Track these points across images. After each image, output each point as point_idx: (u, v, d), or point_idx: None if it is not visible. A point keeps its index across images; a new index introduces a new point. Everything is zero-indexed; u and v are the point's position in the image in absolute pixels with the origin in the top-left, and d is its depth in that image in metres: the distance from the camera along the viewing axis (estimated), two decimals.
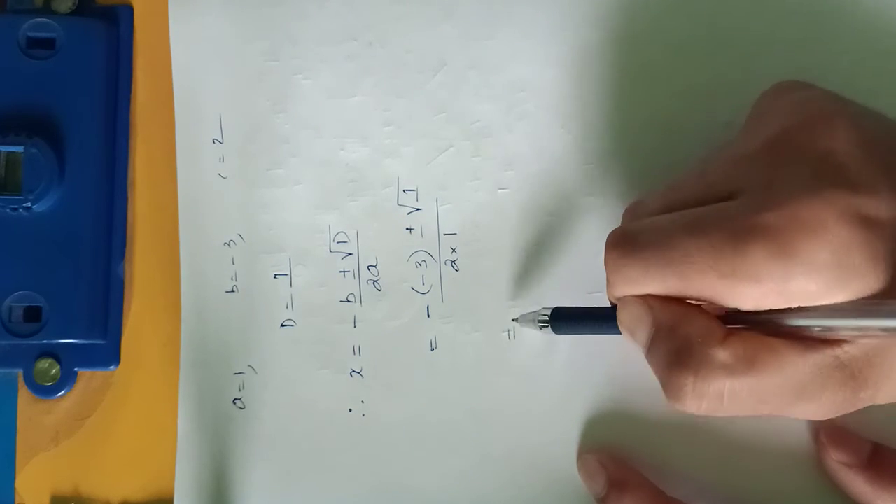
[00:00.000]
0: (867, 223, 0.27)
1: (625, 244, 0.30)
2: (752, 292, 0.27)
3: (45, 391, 0.36)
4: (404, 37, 0.37)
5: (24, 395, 0.36)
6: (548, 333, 0.34)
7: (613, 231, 0.31)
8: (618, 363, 0.35)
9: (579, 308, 0.34)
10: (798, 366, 0.28)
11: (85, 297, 0.36)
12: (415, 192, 0.37)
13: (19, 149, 0.35)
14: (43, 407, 0.36)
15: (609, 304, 0.32)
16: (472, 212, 0.37)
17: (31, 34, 0.37)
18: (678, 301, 0.29)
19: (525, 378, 0.36)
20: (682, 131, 0.36)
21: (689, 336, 0.29)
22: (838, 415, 0.29)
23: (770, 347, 0.28)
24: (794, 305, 0.27)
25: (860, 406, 0.29)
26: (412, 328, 0.36)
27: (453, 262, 0.37)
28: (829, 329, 0.27)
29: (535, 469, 0.35)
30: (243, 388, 0.36)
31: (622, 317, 0.31)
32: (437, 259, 0.37)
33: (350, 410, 0.36)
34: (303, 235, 0.37)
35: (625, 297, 0.30)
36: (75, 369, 0.36)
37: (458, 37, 0.37)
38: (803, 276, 0.27)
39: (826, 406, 0.29)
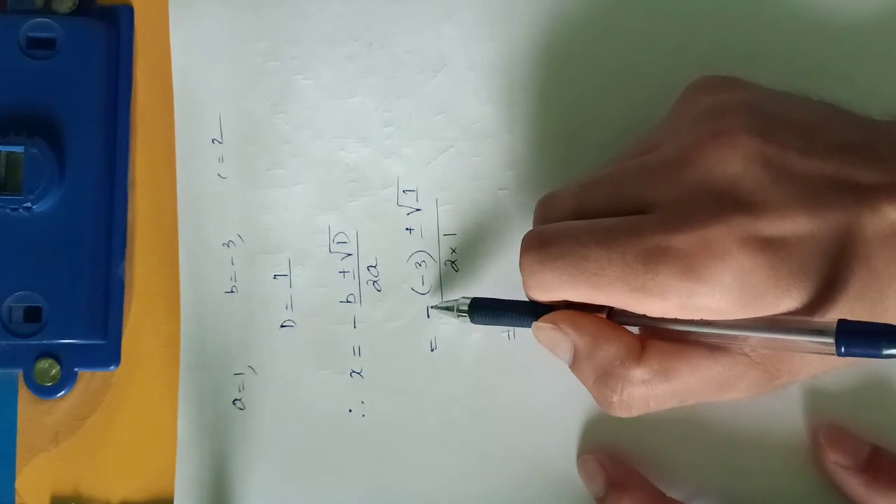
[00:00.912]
0: (770, 246, 0.28)
1: (541, 250, 0.31)
2: (659, 306, 0.29)
3: (45, 391, 0.36)
4: (404, 37, 0.37)
5: (24, 396, 0.36)
6: (465, 322, 0.35)
7: (528, 233, 0.32)
8: None
9: (498, 300, 0.34)
10: (710, 368, 0.30)
11: (85, 297, 0.36)
12: (415, 193, 0.37)
13: (19, 149, 0.35)
14: (43, 407, 0.36)
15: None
16: (472, 212, 0.37)
17: (31, 34, 0.37)
18: (593, 320, 0.31)
19: (525, 378, 0.36)
20: None
21: (607, 359, 0.31)
22: (760, 395, 0.31)
23: (682, 354, 0.30)
24: (698, 318, 0.29)
25: (780, 388, 0.31)
26: (412, 328, 0.36)
27: (453, 262, 0.37)
28: (730, 338, 0.29)
29: (534, 469, 0.35)
30: (243, 388, 0.36)
31: (540, 337, 0.33)
32: (436, 259, 0.37)
33: (350, 411, 0.36)
34: (302, 236, 0.37)
35: (538, 324, 0.32)
36: (75, 369, 0.36)
37: (458, 37, 0.37)
38: (708, 296, 0.28)
39: (747, 393, 0.31)
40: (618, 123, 0.36)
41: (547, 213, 0.33)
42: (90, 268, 0.36)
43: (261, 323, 0.36)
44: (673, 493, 0.34)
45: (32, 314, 0.36)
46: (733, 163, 0.29)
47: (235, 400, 0.36)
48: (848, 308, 0.28)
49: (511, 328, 0.36)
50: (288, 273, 0.37)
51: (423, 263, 0.37)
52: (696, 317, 0.29)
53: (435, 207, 0.37)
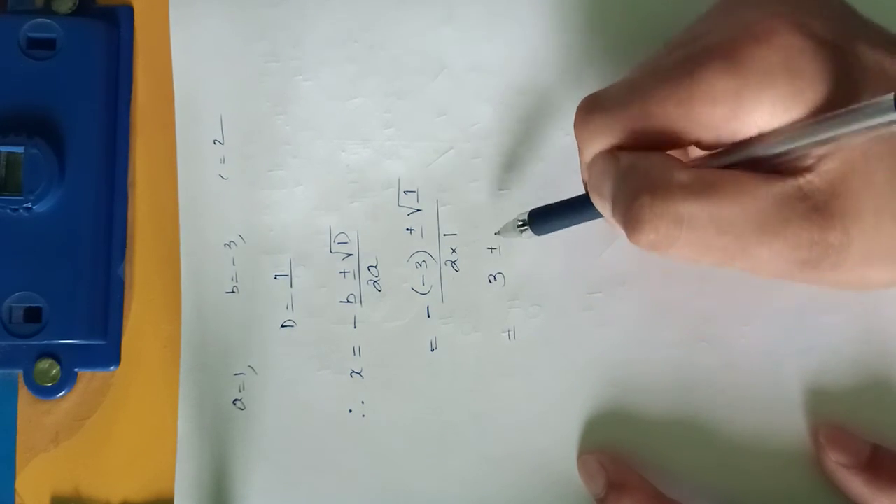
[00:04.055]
0: (815, 37, 0.28)
1: (591, 103, 0.30)
2: (709, 116, 0.27)
3: (45, 392, 0.36)
4: (405, 39, 0.37)
5: (24, 396, 0.36)
6: (530, 237, 0.35)
7: (582, 100, 0.31)
8: (618, 363, 0.36)
9: (554, 203, 0.34)
10: (759, 194, 0.27)
11: (85, 297, 0.36)
12: (415, 194, 0.37)
13: (19, 149, 0.35)
14: (43, 407, 0.36)
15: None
16: (472, 213, 0.37)
17: (31, 34, 0.37)
18: (643, 147, 0.29)
19: (525, 378, 0.36)
20: None
21: (648, 167, 0.28)
22: (808, 271, 0.28)
23: (730, 175, 0.28)
24: (752, 131, 0.27)
25: (832, 258, 0.28)
26: (412, 329, 0.36)
27: (453, 262, 0.37)
28: (791, 153, 0.27)
29: (534, 469, 0.35)
30: (243, 388, 0.36)
31: (591, 180, 0.30)
32: (437, 259, 0.37)
33: (350, 411, 0.36)
34: (303, 236, 0.37)
35: (597, 155, 0.30)
36: (75, 370, 0.36)
37: (459, 39, 0.37)
38: (756, 89, 0.27)
39: (792, 246, 0.27)
40: None
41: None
42: (90, 268, 0.36)
43: (261, 323, 0.36)
44: (673, 494, 0.34)
45: (32, 314, 0.36)
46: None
47: (236, 400, 0.36)
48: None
49: (511, 328, 0.36)
50: (289, 273, 0.37)
51: (423, 264, 0.37)
52: (748, 127, 0.27)
53: (435, 208, 0.37)
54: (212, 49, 0.38)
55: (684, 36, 0.31)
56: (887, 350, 0.35)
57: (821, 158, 0.27)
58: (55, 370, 0.36)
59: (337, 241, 0.37)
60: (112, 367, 0.37)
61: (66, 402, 0.36)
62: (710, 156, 0.29)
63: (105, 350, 0.36)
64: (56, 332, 0.36)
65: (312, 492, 0.36)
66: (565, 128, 0.37)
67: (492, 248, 0.37)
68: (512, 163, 0.37)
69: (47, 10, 0.37)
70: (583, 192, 0.33)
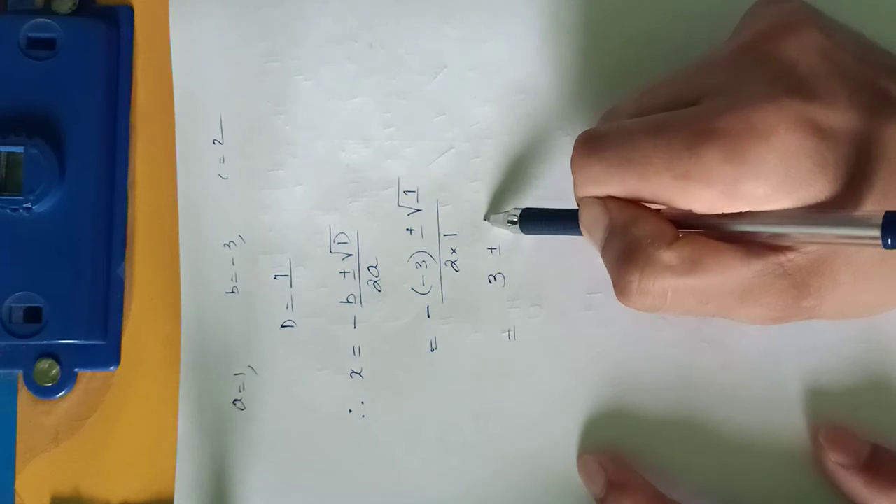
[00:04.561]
0: (819, 132, 0.28)
1: (590, 144, 0.31)
2: (704, 194, 0.29)
3: (45, 392, 0.36)
4: (405, 38, 0.37)
5: (24, 396, 0.36)
6: (516, 232, 0.35)
7: (582, 132, 0.32)
8: (618, 363, 0.36)
9: (547, 209, 0.35)
10: (741, 270, 0.29)
11: (85, 297, 0.36)
12: (415, 194, 0.37)
13: (19, 149, 0.35)
14: (43, 408, 0.36)
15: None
16: (472, 212, 0.37)
17: (31, 34, 0.37)
18: (635, 204, 0.30)
19: (525, 378, 0.36)
20: None
21: (638, 236, 0.30)
22: (782, 322, 0.30)
23: (715, 251, 0.29)
24: (744, 209, 0.28)
25: (804, 316, 0.30)
26: (412, 329, 0.36)
27: (453, 262, 0.37)
28: (776, 235, 0.28)
29: (534, 469, 0.35)
30: (243, 388, 0.36)
31: (582, 216, 0.32)
32: (437, 259, 0.37)
33: (350, 411, 0.36)
34: (303, 236, 0.37)
35: (585, 197, 0.31)
36: (75, 370, 0.36)
37: (459, 38, 0.37)
38: (752, 180, 0.28)
39: (767, 311, 0.30)
40: None
41: (606, 119, 0.34)
42: (90, 268, 0.36)
43: (261, 323, 0.36)
44: (673, 494, 0.34)
45: (32, 314, 0.36)
46: (791, 49, 0.29)
47: (236, 400, 0.36)
48: (875, 205, 0.28)
49: (511, 328, 0.36)
50: (288, 273, 0.37)
51: (423, 264, 0.37)
52: (740, 208, 0.28)
53: (435, 208, 0.37)
54: (212, 49, 0.38)
55: (694, 75, 0.31)
56: (887, 350, 0.35)
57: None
58: (55, 370, 0.36)
59: (337, 241, 0.37)
60: (112, 367, 0.37)
61: (66, 402, 0.36)
62: (696, 216, 0.30)
63: (105, 350, 0.36)
64: (56, 332, 0.36)
65: (312, 492, 0.36)
66: (565, 128, 0.37)
67: (492, 248, 0.37)
68: (512, 163, 0.37)
69: (47, 10, 0.37)
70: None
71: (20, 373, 0.36)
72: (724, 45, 0.32)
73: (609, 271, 0.31)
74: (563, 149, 0.37)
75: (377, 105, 0.37)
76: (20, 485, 0.36)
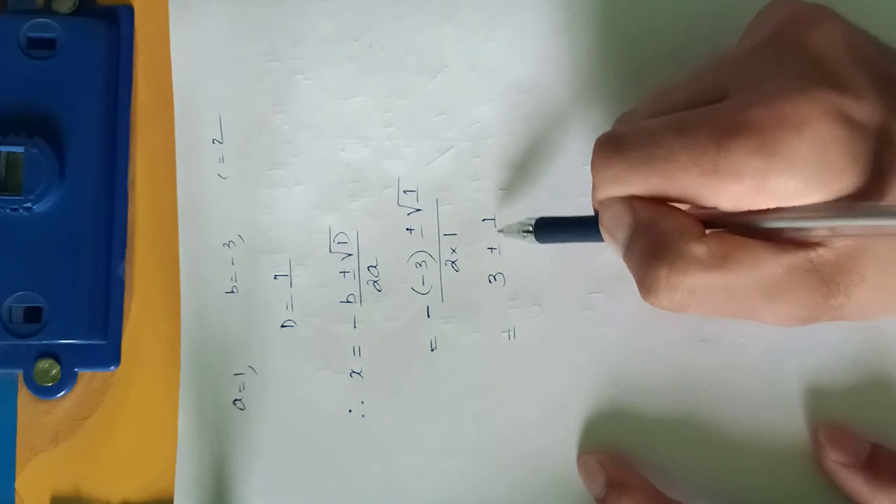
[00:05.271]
0: (849, 123, 0.28)
1: (611, 145, 0.30)
2: (732, 190, 0.28)
3: (45, 391, 0.36)
4: (405, 38, 0.37)
5: (24, 396, 0.36)
6: (531, 242, 0.35)
7: (602, 134, 0.31)
8: (618, 363, 0.36)
9: (563, 217, 0.34)
10: (770, 265, 0.28)
11: (85, 297, 0.36)
12: (415, 193, 0.37)
13: (19, 149, 0.35)
14: (43, 407, 0.36)
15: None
16: (472, 212, 0.37)
17: (31, 34, 0.37)
18: (659, 201, 0.30)
19: (525, 378, 0.36)
20: None
21: (665, 231, 0.29)
22: (808, 323, 0.30)
23: (745, 246, 0.29)
24: (773, 205, 0.28)
25: (830, 316, 0.29)
26: (412, 329, 0.36)
27: (453, 262, 0.37)
28: (805, 229, 0.28)
29: (534, 469, 0.35)
30: (243, 388, 0.36)
31: (603, 218, 0.31)
32: (437, 259, 0.37)
33: (350, 411, 0.36)
34: (303, 236, 0.37)
35: (607, 198, 0.31)
36: (75, 370, 0.36)
37: (459, 38, 0.37)
38: (783, 173, 0.27)
39: (796, 309, 0.29)
40: None
41: (623, 121, 0.33)
42: (90, 268, 0.36)
43: (261, 323, 0.36)
44: (673, 494, 0.34)
45: (32, 314, 0.36)
46: (816, 40, 0.29)
47: (236, 400, 0.36)
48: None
49: (511, 328, 0.36)
50: (288, 273, 0.37)
51: (423, 263, 0.37)
52: (771, 203, 0.28)
53: (435, 208, 0.37)
54: (211, 48, 0.38)
55: (715, 73, 0.31)
56: (887, 350, 0.35)
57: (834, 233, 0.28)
58: (55, 370, 0.36)
59: (336, 241, 0.37)
60: (112, 367, 0.37)
61: (66, 401, 0.36)
62: (723, 214, 0.29)
63: (105, 350, 0.37)
64: (56, 332, 0.36)
65: (312, 492, 0.36)
66: (566, 127, 0.37)
67: (492, 248, 0.36)
68: (512, 162, 0.37)
69: (47, 10, 0.37)
70: (591, 210, 0.33)
71: (20, 372, 0.36)
72: (742, 43, 0.32)
73: (633, 270, 0.30)
74: (564, 148, 0.37)
75: (377, 104, 0.37)
76: (20, 484, 0.36)
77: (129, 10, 0.38)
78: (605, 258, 0.35)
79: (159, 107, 0.38)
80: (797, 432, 0.35)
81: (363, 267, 0.37)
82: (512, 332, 0.36)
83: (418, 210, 0.37)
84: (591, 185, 0.32)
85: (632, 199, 0.30)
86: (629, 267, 0.30)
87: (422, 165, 0.37)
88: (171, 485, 0.36)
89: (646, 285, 0.29)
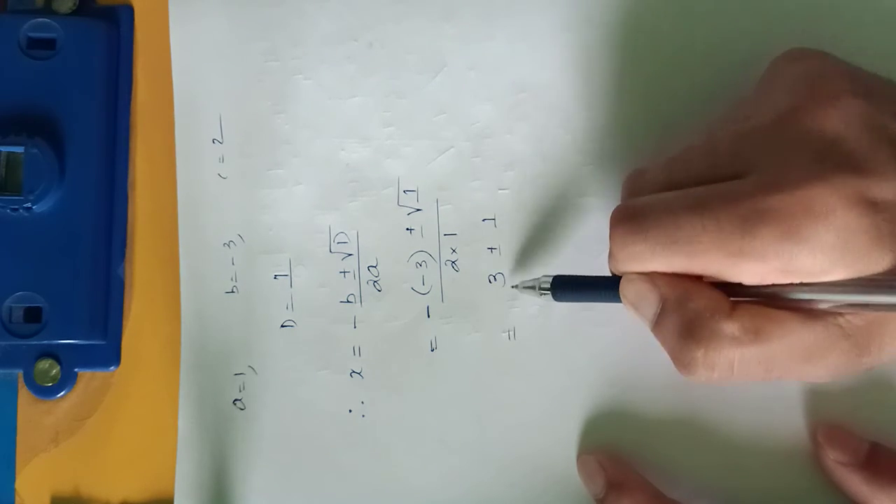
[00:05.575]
0: (873, 206, 0.28)
1: (631, 222, 0.30)
2: (756, 269, 0.28)
3: (45, 392, 0.36)
4: (404, 37, 0.37)
5: (24, 396, 0.36)
6: (548, 300, 0.35)
7: (619, 207, 0.31)
8: (618, 363, 0.36)
9: (580, 277, 0.34)
10: (802, 334, 0.29)
11: (85, 297, 0.36)
12: (415, 193, 0.37)
13: (19, 149, 0.35)
14: (43, 407, 0.36)
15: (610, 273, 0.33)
16: (472, 212, 0.37)
17: (31, 34, 0.37)
18: (683, 277, 0.30)
19: (525, 378, 0.36)
20: (682, 131, 0.36)
21: (697, 310, 0.30)
22: (842, 378, 0.31)
23: (775, 318, 0.29)
24: (797, 281, 0.28)
25: (863, 371, 0.30)
26: (412, 328, 0.36)
27: (453, 262, 0.37)
28: (829, 302, 0.28)
29: (534, 469, 0.35)
30: (243, 388, 0.36)
31: (626, 291, 0.32)
32: (437, 259, 0.37)
33: (350, 411, 0.36)
34: (303, 236, 0.37)
35: (629, 276, 0.31)
36: (75, 370, 0.36)
37: (459, 37, 0.37)
38: (808, 256, 0.28)
39: (830, 370, 0.30)
40: (620, 124, 0.36)
41: (636, 187, 0.33)
42: (90, 268, 0.36)
43: (261, 323, 0.36)
44: (673, 493, 0.34)
45: (32, 314, 0.36)
46: (834, 122, 0.29)
47: (236, 400, 0.36)
48: None
49: (511, 328, 0.36)
50: (288, 273, 0.37)
51: (423, 263, 0.37)
52: (795, 280, 0.28)
53: (435, 207, 0.37)
54: (211, 48, 0.38)
55: (733, 146, 0.30)
56: None
57: None
58: (55, 370, 0.36)
59: (336, 241, 0.37)
60: (112, 367, 0.37)
61: (66, 401, 0.36)
62: (748, 287, 0.29)
63: (105, 350, 0.37)
64: (56, 332, 0.36)
65: (312, 492, 0.36)
66: (566, 126, 0.37)
67: (492, 248, 0.36)
68: (512, 162, 0.37)
69: (47, 10, 0.37)
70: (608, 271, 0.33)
71: (20, 373, 0.36)
72: (757, 109, 0.32)
73: (667, 347, 0.31)
74: (564, 148, 0.37)
75: (377, 104, 0.37)
76: (20, 484, 0.36)
77: (129, 9, 0.38)
78: (605, 258, 0.35)
79: (159, 107, 0.38)
80: (796, 432, 0.35)
81: (363, 267, 0.37)
82: (512, 332, 0.36)
83: (418, 210, 0.37)
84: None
85: (655, 277, 0.31)
86: (661, 342, 0.31)
87: (422, 165, 0.37)
88: (171, 485, 0.36)
89: (684, 364, 0.30)
